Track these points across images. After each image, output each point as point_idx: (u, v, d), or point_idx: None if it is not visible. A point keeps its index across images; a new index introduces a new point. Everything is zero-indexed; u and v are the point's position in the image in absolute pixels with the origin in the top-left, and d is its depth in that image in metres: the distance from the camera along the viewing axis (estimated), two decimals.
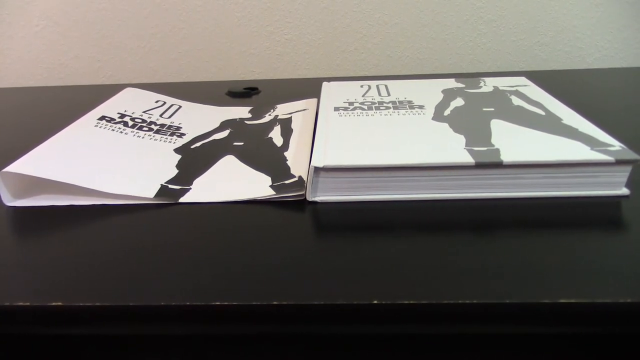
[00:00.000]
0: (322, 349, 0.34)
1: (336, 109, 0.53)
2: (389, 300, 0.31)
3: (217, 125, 0.58)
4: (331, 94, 0.58)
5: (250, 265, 0.34)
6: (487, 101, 0.54)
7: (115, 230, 0.39)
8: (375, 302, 0.31)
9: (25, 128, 0.62)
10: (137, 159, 0.49)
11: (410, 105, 0.53)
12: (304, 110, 0.61)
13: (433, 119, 0.49)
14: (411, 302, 0.30)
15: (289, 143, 0.52)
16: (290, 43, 0.84)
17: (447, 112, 0.51)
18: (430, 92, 0.57)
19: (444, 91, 0.58)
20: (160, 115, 0.59)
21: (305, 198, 0.42)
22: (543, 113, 0.50)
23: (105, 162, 0.47)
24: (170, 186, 0.45)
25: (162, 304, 0.31)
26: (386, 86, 0.60)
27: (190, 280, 0.33)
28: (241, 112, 0.62)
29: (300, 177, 0.45)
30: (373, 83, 0.62)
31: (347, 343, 0.33)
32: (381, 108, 0.53)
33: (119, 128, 0.54)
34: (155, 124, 0.56)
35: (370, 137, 0.45)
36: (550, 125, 0.47)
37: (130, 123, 0.55)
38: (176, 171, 0.47)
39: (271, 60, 0.85)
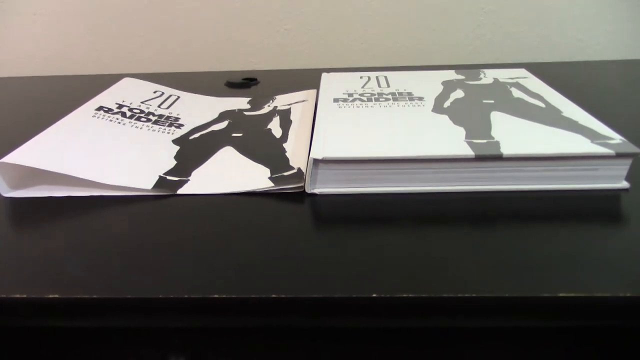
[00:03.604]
0: (320, 342, 0.34)
1: (335, 100, 0.53)
2: (387, 294, 0.30)
3: (215, 116, 0.58)
4: (330, 85, 0.58)
5: (249, 257, 0.34)
6: (487, 93, 0.54)
7: (112, 221, 0.39)
8: (374, 295, 0.30)
9: (23, 118, 0.62)
10: (135, 150, 0.48)
11: (410, 97, 0.53)
12: (303, 101, 0.60)
13: (433, 110, 0.49)
14: (410, 295, 0.30)
15: (288, 134, 0.52)
16: (290, 33, 0.83)
17: (447, 104, 0.51)
18: (430, 84, 0.57)
19: (443, 83, 0.58)
20: (159, 106, 0.59)
21: (304, 190, 0.42)
22: (543, 105, 0.49)
23: (103, 153, 0.47)
24: (168, 177, 0.45)
25: (160, 296, 0.31)
26: (386, 77, 0.60)
27: (189, 272, 0.33)
28: (240, 102, 0.62)
29: (299, 168, 0.44)
30: (373, 74, 0.62)
31: (345, 336, 0.33)
32: (381, 99, 0.52)
33: (117, 118, 0.53)
34: (154, 115, 0.56)
35: (369, 129, 0.45)
36: (550, 117, 0.46)
37: (128, 113, 0.55)
38: (174, 162, 0.47)
39: (270, 51, 0.85)
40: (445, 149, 0.41)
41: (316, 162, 0.41)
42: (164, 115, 0.56)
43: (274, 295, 0.31)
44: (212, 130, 0.54)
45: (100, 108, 0.54)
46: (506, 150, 0.40)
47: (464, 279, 0.31)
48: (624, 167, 0.41)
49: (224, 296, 0.31)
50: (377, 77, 0.60)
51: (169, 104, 0.60)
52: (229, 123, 0.56)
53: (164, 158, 0.48)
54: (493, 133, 0.43)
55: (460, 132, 0.44)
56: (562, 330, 0.32)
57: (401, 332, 0.33)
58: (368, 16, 0.81)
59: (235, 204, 0.41)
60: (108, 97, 0.58)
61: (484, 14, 0.80)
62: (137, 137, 0.51)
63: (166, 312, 0.32)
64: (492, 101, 0.51)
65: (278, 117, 0.57)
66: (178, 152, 0.49)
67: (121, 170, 0.45)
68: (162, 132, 0.53)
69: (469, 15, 0.80)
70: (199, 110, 0.59)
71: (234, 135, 0.53)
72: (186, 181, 0.44)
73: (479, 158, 0.40)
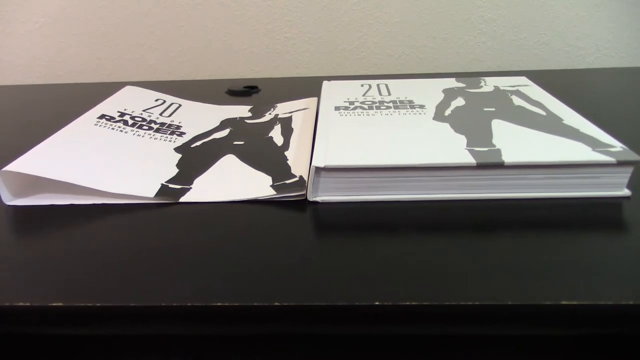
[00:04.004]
0: (322, 350, 0.34)
1: (337, 108, 0.53)
2: (390, 302, 0.30)
3: (217, 124, 0.58)
4: (332, 93, 0.58)
5: (251, 265, 0.34)
6: (488, 101, 0.54)
7: (115, 230, 0.39)
8: (376, 303, 0.30)
9: (25, 126, 0.62)
10: (137, 158, 0.48)
11: (411, 105, 0.53)
12: (305, 109, 0.60)
13: (434, 118, 0.49)
14: (412, 303, 0.30)
15: (289, 142, 0.52)
16: (290, 41, 0.84)
17: (447, 112, 0.51)
18: (430, 92, 0.57)
19: (444, 91, 0.58)
20: (160, 114, 0.59)
21: (306, 198, 0.42)
22: (544, 113, 0.50)
23: (105, 161, 0.47)
24: (170, 185, 0.45)
25: (163, 304, 0.31)
26: (387, 85, 0.60)
27: (191, 280, 0.33)
28: (241, 110, 0.62)
29: (301, 177, 0.44)
30: (373, 82, 0.62)
31: (347, 344, 0.33)
32: (382, 107, 0.53)
33: (119, 127, 0.53)
34: (155, 123, 0.56)
35: (371, 137, 0.45)
36: (552, 125, 0.47)
37: (130, 122, 0.55)
38: (176, 170, 0.47)
39: (271, 59, 0.85)
40: (446, 157, 0.41)
41: (318, 170, 0.41)
42: (165, 124, 0.57)
43: (276, 303, 0.31)
44: (214, 138, 0.54)
45: (102, 116, 0.55)
46: (507, 158, 0.41)
47: (466, 287, 0.31)
48: (625, 174, 0.41)
49: (227, 304, 0.31)
50: (378, 85, 0.61)
51: (170, 112, 0.60)
52: (230, 131, 0.56)
53: (166, 166, 0.48)
54: (494, 141, 0.44)
55: (462, 140, 0.44)
56: (564, 338, 0.32)
57: (403, 340, 0.33)
58: (369, 24, 0.82)
59: (237, 212, 0.41)
60: (110, 106, 0.58)
61: (485, 22, 0.80)
62: (139, 146, 0.51)
63: (169, 320, 0.32)
64: (493, 109, 0.51)
65: (279, 125, 0.57)
66: (180, 160, 0.49)
67: (123, 178, 0.45)
68: (164, 140, 0.53)
69: (470, 23, 0.81)
70: (200, 118, 0.59)
71: (235, 143, 0.53)
72: (188, 189, 0.44)
73: (480, 166, 0.40)
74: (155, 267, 0.34)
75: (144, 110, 0.59)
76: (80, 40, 0.84)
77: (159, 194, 0.44)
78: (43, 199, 0.44)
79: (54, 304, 0.31)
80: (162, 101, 0.62)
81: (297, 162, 0.47)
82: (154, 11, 0.82)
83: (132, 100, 0.61)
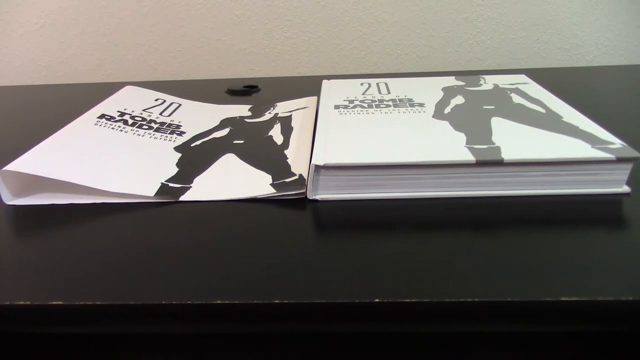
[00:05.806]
0: (323, 347, 0.34)
1: (336, 107, 0.53)
2: (390, 299, 0.30)
3: (217, 123, 0.58)
4: (331, 92, 0.58)
5: (251, 263, 0.34)
6: (488, 99, 0.54)
7: (115, 228, 0.39)
8: (376, 300, 0.30)
9: (25, 126, 0.62)
10: (137, 158, 0.49)
11: (411, 103, 0.53)
12: (304, 108, 0.60)
13: (433, 117, 0.49)
14: (412, 300, 0.30)
15: (289, 141, 0.52)
16: (290, 41, 0.84)
17: (447, 110, 0.51)
18: (430, 90, 0.57)
19: (444, 89, 0.58)
20: (160, 114, 0.59)
21: (306, 196, 0.42)
22: (543, 111, 0.50)
23: (105, 160, 0.47)
24: (170, 184, 0.45)
25: (163, 302, 0.31)
26: (386, 84, 0.60)
27: (191, 279, 0.33)
28: (241, 110, 0.62)
29: (300, 175, 0.44)
30: (373, 81, 0.62)
31: (348, 342, 0.33)
32: (381, 106, 0.53)
33: (119, 126, 0.53)
34: (155, 122, 0.56)
35: (370, 135, 0.45)
36: (551, 123, 0.47)
37: (130, 121, 0.55)
38: (176, 169, 0.47)
39: (271, 58, 0.85)
40: (446, 154, 0.41)
41: (317, 168, 0.41)
42: (165, 123, 0.57)
43: (276, 301, 0.31)
44: (214, 138, 0.54)
45: (102, 116, 0.55)
46: (507, 155, 0.41)
47: (466, 284, 0.31)
48: (624, 171, 0.41)
49: (227, 302, 0.31)
50: (377, 84, 0.61)
51: (170, 112, 0.60)
52: (230, 130, 0.56)
53: (166, 165, 0.48)
54: (494, 138, 0.44)
55: (461, 137, 0.44)
56: (564, 335, 0.32)
57: (404, 337, 0.33)
58: (368, 23, 0.82)
59: (237, 211, 0.41)
60: (110, 105, 0.58)
61: (484, 20, 0.80)
62: (139, 145, 0.51)
63: (169, 318, 0.32)
64: (493, 107, 0.51)
65: (279, 124, 0.57)
66: (180, 159, 0.49)
67: (123, 177, 0.45)
68: (164, 139, 0.53)
69: (469, 22, 0.81)
70: (200, 118, 0.59)
71: (235, 142, 0.53)
72: (188, 188, 0.44)
73: (480, 163, 0.40)
74: (155, 266, 0.35)
75: (143, 110, 0.59)
76: (80, 41, 0.84)
77: (159, 193, 0.44)
78: (43, 199, 0.44)
79: (54, 303, 0.31)
80: (162, 101, 0.62)
81: (297, 161, 0.47)
82: (154, 11, 0.82)
83: (132, 99, 0.61)
